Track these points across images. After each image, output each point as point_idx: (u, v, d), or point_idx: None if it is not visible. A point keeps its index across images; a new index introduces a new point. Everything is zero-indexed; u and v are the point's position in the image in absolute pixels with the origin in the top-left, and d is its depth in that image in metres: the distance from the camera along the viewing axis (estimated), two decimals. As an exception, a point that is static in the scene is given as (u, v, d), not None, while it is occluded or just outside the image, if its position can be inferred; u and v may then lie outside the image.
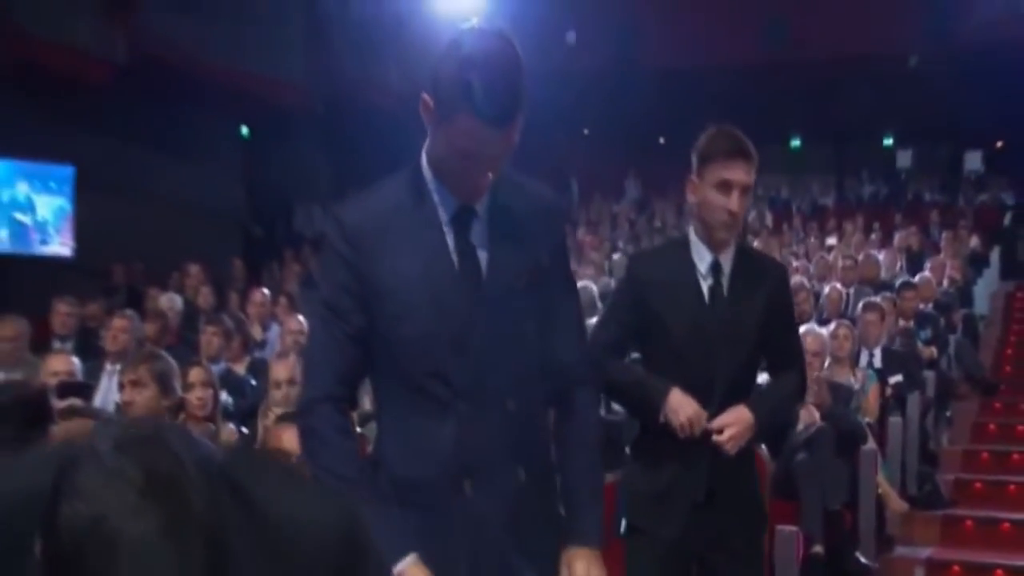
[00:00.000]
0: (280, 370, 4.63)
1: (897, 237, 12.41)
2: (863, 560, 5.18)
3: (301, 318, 6.34)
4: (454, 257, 1.89)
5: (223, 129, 13.46)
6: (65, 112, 10.15)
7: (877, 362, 6.69)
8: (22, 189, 10.20)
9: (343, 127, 14.25)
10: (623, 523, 2.85)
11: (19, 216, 10.15)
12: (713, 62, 14.77)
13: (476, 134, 1.78)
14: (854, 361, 6.40)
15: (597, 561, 1.92)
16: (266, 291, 8.30)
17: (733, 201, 2.70)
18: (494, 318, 1.87)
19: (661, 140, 16.30)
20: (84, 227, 10.66)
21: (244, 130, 14.40)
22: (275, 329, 7.19)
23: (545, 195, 2.02)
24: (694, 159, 2.76)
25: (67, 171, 10.45)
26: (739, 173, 2.70)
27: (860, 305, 7.24)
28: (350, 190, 15.41)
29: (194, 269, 9.28)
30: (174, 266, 9.84)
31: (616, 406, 4.63)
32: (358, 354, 1.90)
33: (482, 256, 1.91)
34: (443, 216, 1.90)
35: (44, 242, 10.62)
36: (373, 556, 1.27)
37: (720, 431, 2.71)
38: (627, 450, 3.05)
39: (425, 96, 1.84)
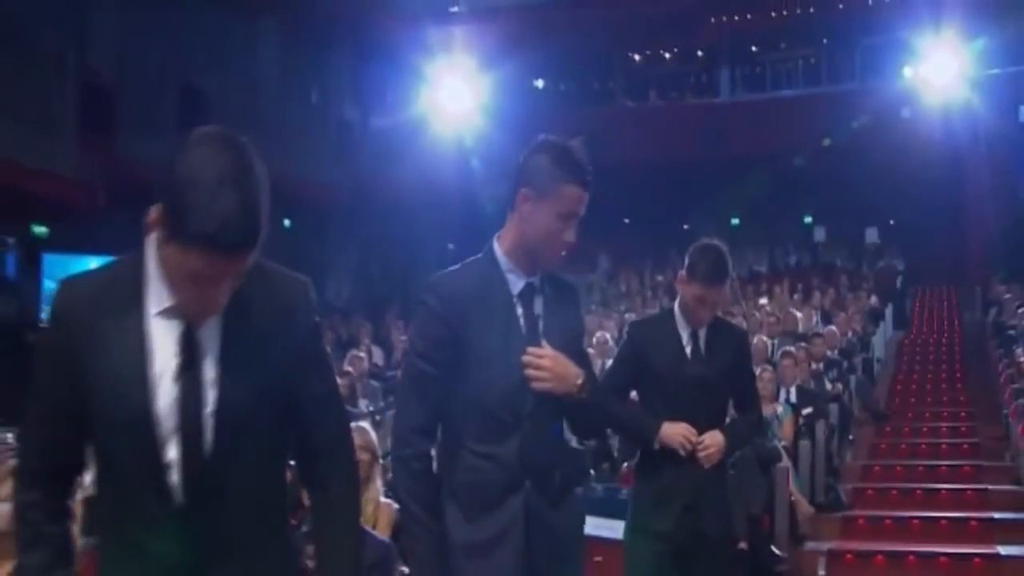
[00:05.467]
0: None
1: (816, 297, 12.61)
2: (778, 553, 5.38)
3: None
4: (522, 322, 2.07)
5: (270, 222, 13.86)
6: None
7: (793, 398, 6.83)
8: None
9: (365, 217, 14.33)
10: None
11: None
12: (667, 159, 15.09)
13: (579, 197, 2.01)
14: (774, 397, 6.56)
15: None
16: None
17: (707, 313, 3.00)
18: None
19: (626, 221, 16.57)
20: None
21: (286, 222, 14.84)
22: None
23: (567, 277, 2.23)
24: (686, 260, 3.00)
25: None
26: (714, 295, 2.97)
27: (779, 353, 7.39)
28: (372, 268, 15.86)
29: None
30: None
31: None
32: (440, 394, 2.05)
33: (540, 323, 2.09)
34: (513, 291, 2.08)
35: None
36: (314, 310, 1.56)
37: (702, 447, 2.95)
38: (624, 466, 3.40)
39: (525, 191, 2.01)
